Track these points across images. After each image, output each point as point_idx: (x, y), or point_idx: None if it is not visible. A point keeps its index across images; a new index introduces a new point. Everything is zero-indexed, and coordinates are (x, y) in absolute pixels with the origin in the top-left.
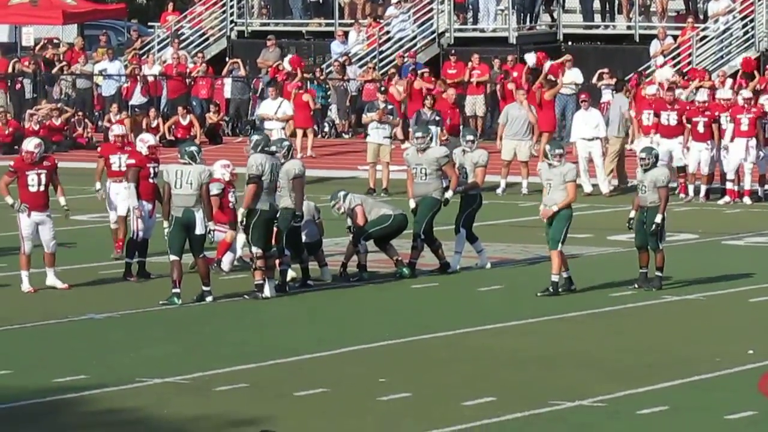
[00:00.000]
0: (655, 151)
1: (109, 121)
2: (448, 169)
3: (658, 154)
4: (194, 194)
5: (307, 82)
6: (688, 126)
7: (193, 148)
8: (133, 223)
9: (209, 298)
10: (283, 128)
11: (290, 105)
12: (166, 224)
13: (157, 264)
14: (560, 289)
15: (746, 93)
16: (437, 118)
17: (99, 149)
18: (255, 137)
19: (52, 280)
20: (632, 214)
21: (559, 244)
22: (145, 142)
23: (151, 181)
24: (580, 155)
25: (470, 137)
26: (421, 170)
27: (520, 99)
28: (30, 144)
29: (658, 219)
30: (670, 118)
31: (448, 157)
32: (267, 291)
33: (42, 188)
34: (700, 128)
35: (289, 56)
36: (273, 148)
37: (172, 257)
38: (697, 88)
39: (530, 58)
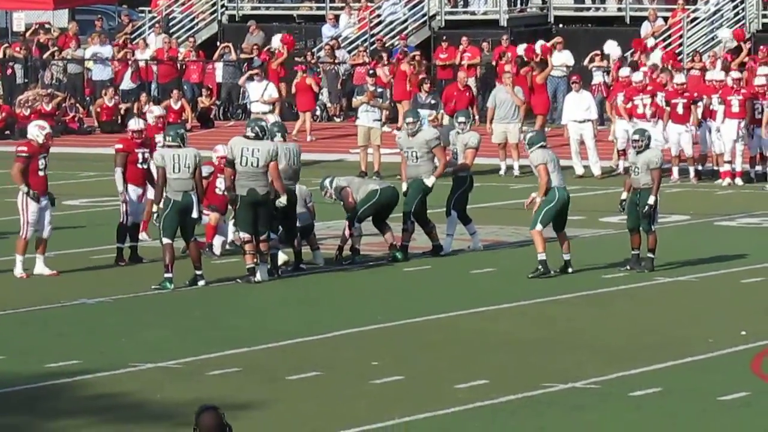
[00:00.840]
0: (647, 132)
1: (102, 105)
2: (438, 151)
3: (651, 136)
4: (191, 178)
5: (309, 66)
6: (667, 108)
7: (183, 131)
8: (121, 208)
9: (201, 282)
10: (272, 111)
11: (275, 88)
12: (156, 208)
13: (149, 249)
14: (554, 271)
15: (735, 74)
16: (433, 101)
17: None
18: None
19: (40, 267)
20: (624, 195)
21: (537, 224)
22: (131, 128)
23: (139, 166)
24: (572, 137)
25: (462, 119)
26: (412, 153)
27: (507, 82)
28: (43, 130)
29: (651, 200)
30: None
31: (438, 140)
32: (259, 275)
33: (46, 172)
34: (680, 110)
35: (282, 34)
36: (250, 133)
37: (166, 240)
38: (682, 70)
39: (519, 49)
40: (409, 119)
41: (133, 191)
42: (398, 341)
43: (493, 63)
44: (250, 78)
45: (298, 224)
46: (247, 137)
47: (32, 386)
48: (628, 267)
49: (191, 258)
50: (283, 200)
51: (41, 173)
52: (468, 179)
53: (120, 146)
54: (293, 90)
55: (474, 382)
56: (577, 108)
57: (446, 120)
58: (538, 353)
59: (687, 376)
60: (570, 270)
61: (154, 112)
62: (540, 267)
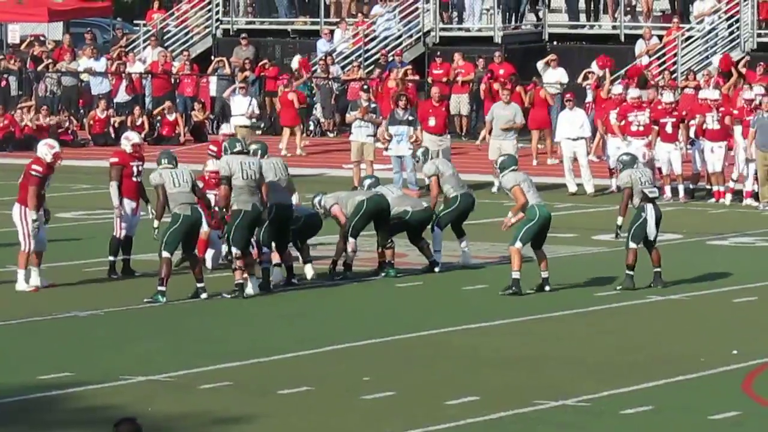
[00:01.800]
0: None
1: (94, 117)
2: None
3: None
4: (191, 192)
5: (291, 81)
6: (655, 127)
7: (173, 153)
8: (115, 222)
9: (204, 295)
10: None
11: (257, 103)
12: (156, 224)
13: (141, 262)
14: (531, 289)
15: (748, 94)
16: (410, 117)
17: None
18: (227, 142)
19: (35, 280)
20: (620, 221)
21: (518, 242)
22: (129, 140)
23: (134, 179)
24: (565, 155)
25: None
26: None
27: (505, 98)
28: (55, 148)
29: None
30: (638, 119)
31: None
32: (249, 289)
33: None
34: (668, 129)
35: (298, 57)
36: (239, 148)
37: (166, 254)
38: (672, 89)
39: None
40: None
41: (128, 204)
42: (389, 357)
43: (483, 83)
44: (235, 91)
45: (305, 226)
46: (240, 152)
47: (24, 398)
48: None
49: (193, 271)
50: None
51: (42, 192)
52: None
53: (115, 159)
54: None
55: (465, 399)
56: (571, 126)
57: (425, 137)
58: (529, 370)
59: (678, 395)
60: (547, 288)
61: (131, 139)
62: (513, 286)
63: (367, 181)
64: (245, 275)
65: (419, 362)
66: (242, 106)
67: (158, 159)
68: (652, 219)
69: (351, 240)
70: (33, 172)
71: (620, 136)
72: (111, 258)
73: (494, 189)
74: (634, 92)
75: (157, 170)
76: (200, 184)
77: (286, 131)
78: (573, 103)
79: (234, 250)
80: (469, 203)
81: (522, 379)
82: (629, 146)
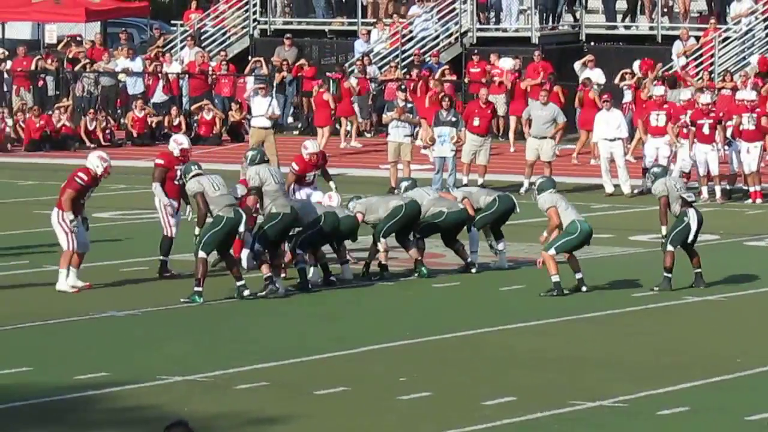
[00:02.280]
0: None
1: (132, 118)
2: None
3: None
4: (230, 194)
5: (329, 81)
6: (693, 128)
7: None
8: (164, 220)
9: (247, 292)
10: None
11: (278, 105)
12: (198, 231)
13: (178, 262)
14: (566, 290)
15: None
16: (453, 119)
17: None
18: (249, 153)
19: (72, 280)
20: (664, 230)
21: (552, 249)
22: (179, 143)
23: (176, 182)
24: (602, 155)
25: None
26: None
27: (543, 99)
28: (107, 162)
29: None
30: (659, 118)
31: None
32: (279, 286)
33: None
34: (706, 130)
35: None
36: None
37: (202, 254)
38: (709, 90)
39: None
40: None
41: (171, 206)
42: (426, 357)
43: (521, 83)
44: (255, 92)
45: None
46: (264, 161)
47: (60, 398)
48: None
49: (231, 271)
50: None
51: (82, 201)
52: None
53: (161, 161)
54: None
55: (501, 399)
56: (608, 126)
57: (469, 137)
58: (565, 371)
59: (715, 396)
60: (584, 288)
61: (181, 143)
62: (554, 289)
63: (404, 184)
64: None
65: (456, 363)
66: (262, 107)
67: (186, 170)
68: (695, 223)
69: (382, 240)
70: (77, 179)
71: (675, 140)
72: (163, 258)
73: (522, 190)
74: (658, 90)
75: (191, 179)
76: (242, 189)
77: (323, 131)
78: (610, 104)
79: (258, 247)
80: (509, 206)
81: (559, 379)
82: (679, 148)
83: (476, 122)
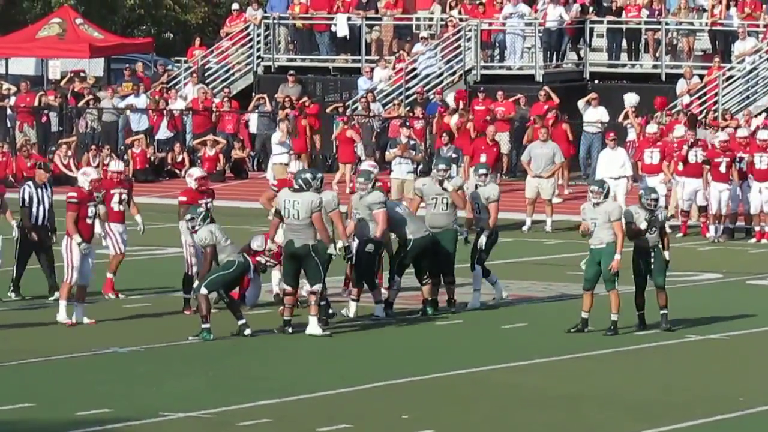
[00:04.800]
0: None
1: (132, 155)
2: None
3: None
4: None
5: (351, 119)
6: (707, 167)
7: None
8: (187, 258)
9: (248, 331)
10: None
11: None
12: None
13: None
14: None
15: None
16: (454, 155)
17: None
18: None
19: (80, 316)
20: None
21: (615, 284)
22: (192, 176)
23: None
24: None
25: (483, 171)
26: (443, 200)
27: (542, 136)
28: (90, 175)
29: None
30: (653, 155)
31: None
32: (312, 328)
33: (94, 221)
34: (722, 168)
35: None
36: (294, 185)
37: (204, 291)
38: (722, 128)
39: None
40: (441, 166)
41: None
42: (429, 395)
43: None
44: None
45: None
46: (293, 189)
47: None
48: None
49: (231, 309)
50: (331, 249)
51: (89, 221)
52: (494, 234)
53: (183, 198)
54: (335, 142)
55: None
56: (612, 165)
57: (471, 174)
58: (568, 409)
59: None
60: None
61: (194, 175)
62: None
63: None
64: (292, 313)
65: (459, 400)
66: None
67: (191, 218)
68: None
69: (396, 279)
70: (69, 200)
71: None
72: (185, 295)
73: (525, 228)
74: (651, 128)
75: (203, 228)
76: (259, 244)
77: (345, 167)
78: (615, 143)
79: (283, 285)
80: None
81: (561, 418)
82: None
83: (483, 158)
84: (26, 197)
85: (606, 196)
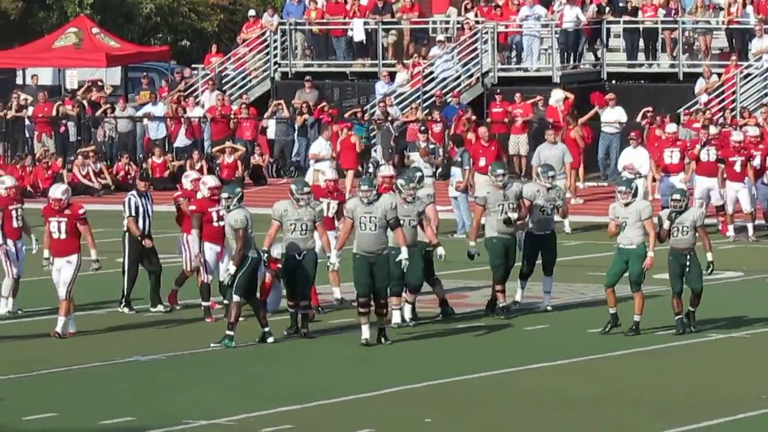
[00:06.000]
0: (687, 192)
1: (153, 164)
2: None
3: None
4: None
5: (357, 124)
6: (722, 166)
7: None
8: (200, 268)
9: (271, 339)
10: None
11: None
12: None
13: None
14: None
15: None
16: (459, 159)
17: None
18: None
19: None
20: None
21: (641, 286)
22: (206, 184)
23: (214, 225)
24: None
25: (500, 171)
26: (509, 205)
27: (551, 138)
28: (57, 191)
29: (710, 257)
30: (672, 155)
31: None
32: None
33: (64, 236)
34: (737, 167)
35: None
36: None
37: (237, 298)
38: (738, 127)
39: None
40: (499, 171)
41: (210, 249)
42: (451, 398)
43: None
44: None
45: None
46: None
47: None
48: (679, 332)
49: (258, 316)
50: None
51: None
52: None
53: (193, 207)
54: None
55: None
56: (629, 162)
57: (478, 179)
58: (591, 411)
59: None
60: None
61: (207, 183)
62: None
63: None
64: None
65: (481, 403)
66: (324, 148)
67: (228, 197)
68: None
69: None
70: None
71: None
72: (204, 303)
73: (567, 229)
74: (670, 127)
75: (238, 208)
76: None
77: (349, 173)
78: (637, 142)
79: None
80: None
81: (584, 419)
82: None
83: (482, 162)
84: (132, 206)
85: (635, 195)
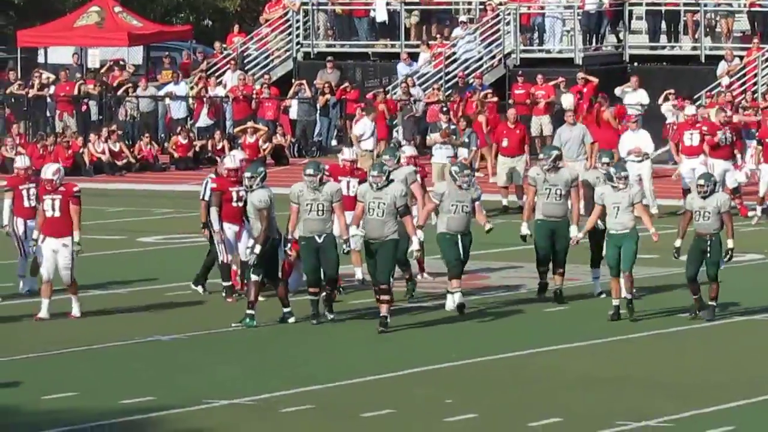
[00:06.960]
0: (713, 177)
1: (176, 143)
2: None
3: (716, 181)
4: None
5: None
6: (759, 147)
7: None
8: (218, 247)
9: (292, 319)
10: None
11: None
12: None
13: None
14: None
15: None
16: (467, 140)
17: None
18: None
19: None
20: (678, 243)
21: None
22: (224, 164)
23: (234, 204)
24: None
25: (606, 159)
26: (556, 191)
27: (570, 120)
28: (48, 171)
29: (731, 244)
30: (692, 137)
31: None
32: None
33: (58, 213)
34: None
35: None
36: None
37: (255, 277)
38: (762, 109)
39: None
40: (552, 152)
41: (229, 229)
42: (472, 379)
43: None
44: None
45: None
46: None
47: (106, 422)
48: (691, 315)
49: (279, 295)
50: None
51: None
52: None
53: (214, 185)
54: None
55: (547, 420)
56: (635, 146)
57: (500, 159)
58: (611, 392)
59: (759, 415)
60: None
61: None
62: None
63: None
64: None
65: (501, 384)
66: (369, 129)
67: (251, 176)
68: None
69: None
70: None
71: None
72: (225, 283)
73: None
74: (690, 109)
75: (262, 187)
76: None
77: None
78: (637, 125)
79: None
80: None
81: (604, 400)
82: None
83: (505, 143)
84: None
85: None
